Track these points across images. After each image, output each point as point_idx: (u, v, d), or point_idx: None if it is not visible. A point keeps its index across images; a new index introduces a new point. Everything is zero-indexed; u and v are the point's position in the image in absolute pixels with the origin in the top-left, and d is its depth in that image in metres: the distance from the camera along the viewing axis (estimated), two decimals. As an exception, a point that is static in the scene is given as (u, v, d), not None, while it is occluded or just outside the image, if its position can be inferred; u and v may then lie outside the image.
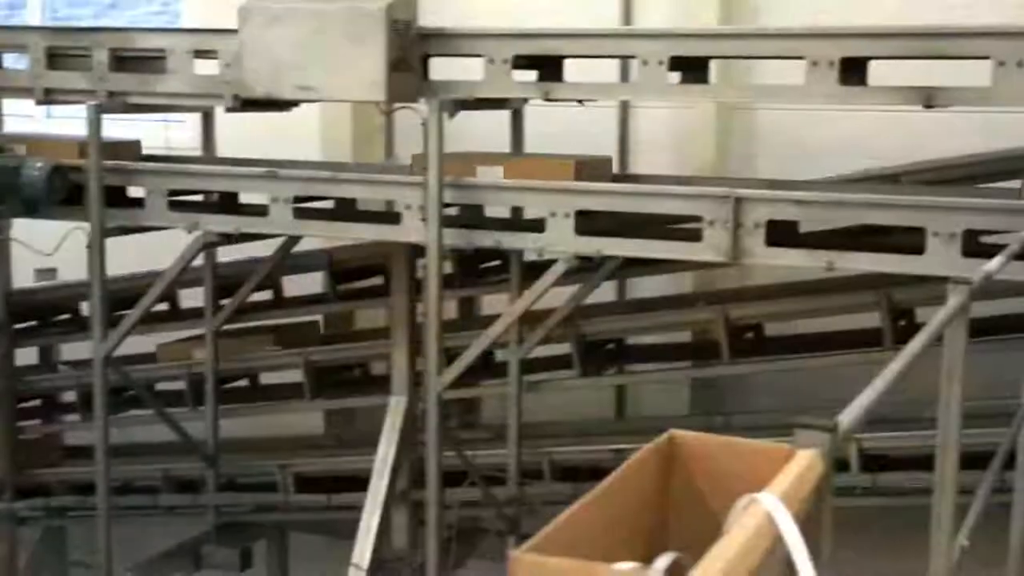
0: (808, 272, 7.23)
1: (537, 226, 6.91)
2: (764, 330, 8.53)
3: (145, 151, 8.48)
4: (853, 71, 6.14)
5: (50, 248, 8.25)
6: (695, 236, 6.47)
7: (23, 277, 9.80)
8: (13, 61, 8.40)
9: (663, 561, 2.18)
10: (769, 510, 2.15)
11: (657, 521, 2.68)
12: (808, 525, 2.26)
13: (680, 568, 2.17)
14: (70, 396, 10.17)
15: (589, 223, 6.77)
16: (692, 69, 6.72)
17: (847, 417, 2.64)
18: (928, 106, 6.05)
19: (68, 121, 9.84)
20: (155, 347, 9.65)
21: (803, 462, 2.40)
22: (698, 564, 1.98)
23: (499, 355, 8.52)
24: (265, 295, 9.54)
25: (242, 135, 8.61)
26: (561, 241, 6.70)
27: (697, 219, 6.46)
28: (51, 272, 9.97)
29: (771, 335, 8.56)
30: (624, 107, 9.64)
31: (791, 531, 2.15)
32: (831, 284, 7.86)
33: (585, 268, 7.16)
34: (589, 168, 7.08)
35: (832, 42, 6.14)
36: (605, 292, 8.81)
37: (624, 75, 8.36)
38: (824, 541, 2.48)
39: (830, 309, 8.09)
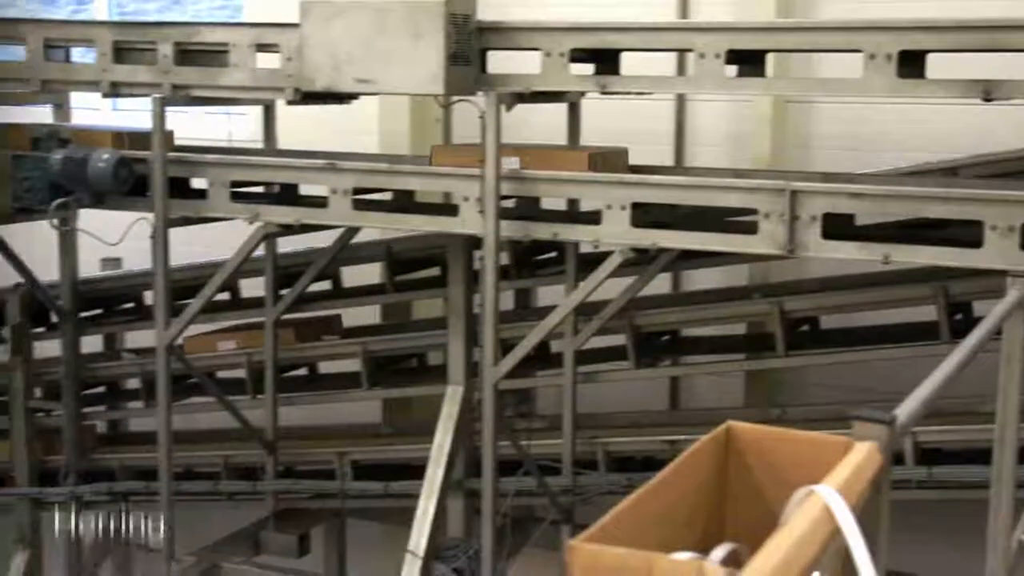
0: (864, 265, 7.16)
1: (593, 218, 6.90)
2: (819, 323, 8.46)
3: (208, 143, 8.55)
4: (911, 64, 6.07)
5: (115, 238, 8.33)
6: (751, 229, 6.43)
7: (89, 267, 9.92)
8: (80, 55, 8.49)
9: (720, 552, 2.17)
10: (827, 502, 2.13)
11: (714, 512, 2.67)
12: (865, 517, 2.24)
13: (737, 559, 2.16)
14: (134, 383, 10.27)
15: (645, 215, 6.75)
16: (749, 62, 6.67)
17: (904, 410, 2.62)
18: (987, 99, 5.97)
19: (133, 114, 9.96)
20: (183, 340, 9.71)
21: (861, 454, 2.38)
22: (756, 555, 1.96)
23: (554, 346, 8.51)
24: (324, 285, 9.59)
25: (302, 128, 8.66)
26: (617, 233, 6.69)
27: (753, 212, 6.42)
28: (116, 262, 10.10)
29: (826, 328, 8.50)
30: (680, 100, 9.59)
31: (849, 523, 2.13)
32: (887, 277, 7.78)
33: (640, 260, 7.13)
34: (602, 159, 7.10)
35: (890, 35, 6.07)
36: (660, 284, 8.78)
37: (680, 68, 8.32)
38: (881, 534, 2.46)
39: (886, 302, 8.00)
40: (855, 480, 2.28)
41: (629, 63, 6.96)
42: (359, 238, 8.71)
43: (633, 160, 7.56)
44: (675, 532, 2.43)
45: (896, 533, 2.72)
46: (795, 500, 2.20)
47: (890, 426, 2.44)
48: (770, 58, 6.86)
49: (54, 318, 9.85)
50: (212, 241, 8.60)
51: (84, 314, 9.97)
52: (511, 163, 7.02)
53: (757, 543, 2.06)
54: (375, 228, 8.49)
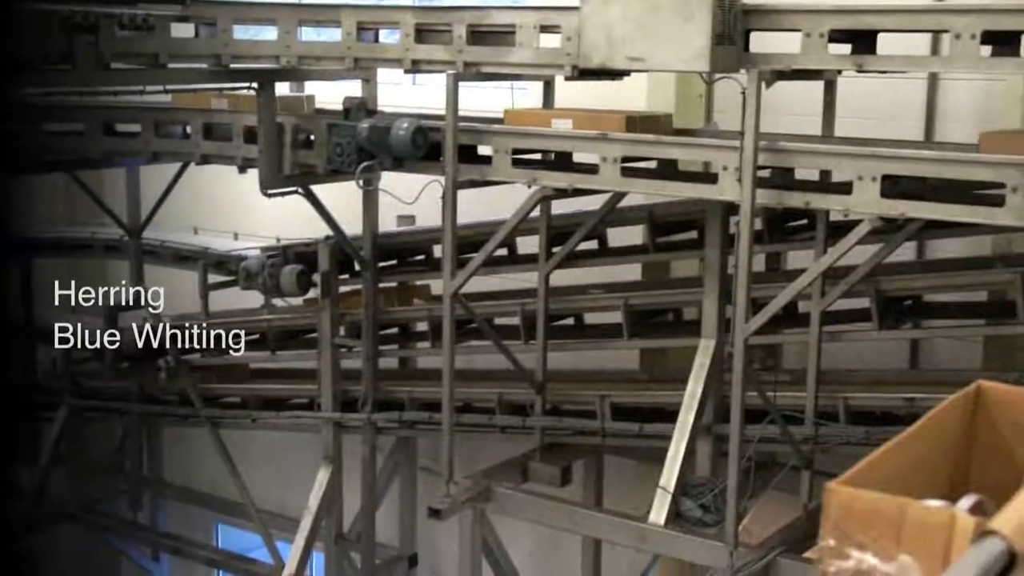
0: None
1: (844, 188, 6.70)
2: (1062, 293, 8.00)
3: (492, 115, 8.71)
4: None
5: (410, 198, 8.59)
6: (997, 201, 6.13)
7: (387, 222, 10.28)
8: (385, 36, 8.75)
9: (967, 501, 2.09)
10: (1077, 462, 2.03)
11: (959, 466, 2.58)
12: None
13: (983, 510, 2.08)
14: (422, 326, 10.59)
15: (893, 187, 6.52)
16: (1003, 42, 6.33)
17: None
18: None
19: (425, 89, 10.22)
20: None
21: (1112, 419, 2.25)
22: (1004, 506, 1.89)
23: (802, 306, 8.33)
24: (592, 244, 9.65)
25: (578, 101, 8.70)
26: (867, 203, 6.49)
27: (1000, 185, 6.12)
28: (410, 219, 10.41)
29: (1069, 298, 8.02)
30: (932, 78, 9.18)
31: (1099, 482, 2.02)
32: None
33: (887, 228, 6.90)
34: (640, 122, 7.35)
35: None
36: (905, 251, 8.47)
37: (934, 48, 7.96)
38: None
39: None
40: (1105, 443, 2.16)
41: (883, 42, 6.70)
42: (624, 202, 8.71)
43: (883, 135, 7.28)
44: (923, 483, 2.36)
45: None
46: (1044, 458, 2.10)
47: None
48: (1024, 38, 6.49)
49: (357, 267, 10.25)
50: (494, 202, 8.76)
51: (382, 264, 10.34)
52: (566, 124, 7.40)
53: (1003, 498, 1.98)
54: (640, 193, 8.47)
